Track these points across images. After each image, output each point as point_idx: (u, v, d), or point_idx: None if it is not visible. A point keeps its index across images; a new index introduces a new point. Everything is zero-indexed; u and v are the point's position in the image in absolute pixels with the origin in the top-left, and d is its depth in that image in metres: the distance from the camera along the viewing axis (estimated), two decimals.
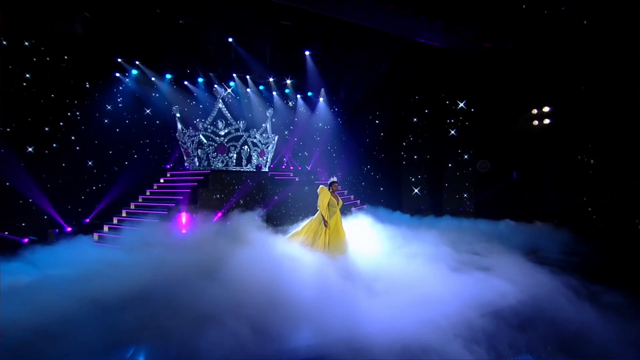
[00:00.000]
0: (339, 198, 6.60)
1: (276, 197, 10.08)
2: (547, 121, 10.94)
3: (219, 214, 8.90)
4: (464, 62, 11.60)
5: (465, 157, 12.68)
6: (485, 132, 12.18)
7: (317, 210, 6.38)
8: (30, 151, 8.29)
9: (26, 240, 7.88)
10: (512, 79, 11.21)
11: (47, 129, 8.63)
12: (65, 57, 8.84)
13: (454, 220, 10.90)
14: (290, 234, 6.62)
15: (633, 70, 8.90)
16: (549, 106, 10.88)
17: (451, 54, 11.37)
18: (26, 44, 8.11)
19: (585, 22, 9.09)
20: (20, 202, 8.04)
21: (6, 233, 7.64)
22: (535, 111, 11.10)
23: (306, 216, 8.18)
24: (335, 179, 6.68)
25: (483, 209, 11.90)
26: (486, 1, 8.87)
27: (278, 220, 9.61)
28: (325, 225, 6.21)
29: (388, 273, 5.47)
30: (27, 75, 8.19)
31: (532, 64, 10.60)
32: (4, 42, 7.75)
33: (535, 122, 11.14)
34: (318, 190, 6.50)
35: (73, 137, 9.19)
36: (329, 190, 6.45)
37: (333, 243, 6.23)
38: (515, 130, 11.60)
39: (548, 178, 11.13)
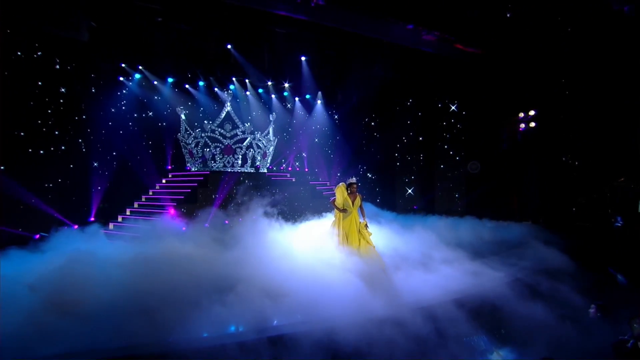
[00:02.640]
0: (358, 198, 6.23)
1: (273, 197, 10.50)
2: (533, 124, 11.31)
3: (217, 213, 9.34)
4: (456, 67, 11.97)
5: (457, 158, 13.06)
6: (476, 134, 12.55)
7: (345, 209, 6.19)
8: (41, 153, 8.82)
9: (37, 236, 8.41)
10: (501, 84, 11.59)
11: (57, 132, 9.14)
12: (73, 64, 9.33)
13: (444, 220, 11.26)
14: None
15: (614, 77, 9.28)
16: (534, 110, 11.25)
17: (443, 59, 11.74)
18: (39, 53, 8.62)
19: (569, 29, 9.48)
20: (33, 201, 8.56)
21: (20, 230, 8.20)
22: (522, 115, 11.48)
23: (302, 215, 8.76)
24: (354, 179, 6.30)
25: (473, 208, 12.28)
26: (474, 12, 9.29)
27: (275, 218, 10.04)
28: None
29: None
30: (39, 83, 8.72)
31: (520, 70, 10.98)
32: (21, 55, 8.33)
33: (522, 125, 11.52)
34: (335, 188, 6.34)
35: (80, 140, 9.69)
36: (347, 191, 6.20)
37: (355, 248, 6.04)
38: (504, 133, 11.98)
39: (535, 179, 11.50)
